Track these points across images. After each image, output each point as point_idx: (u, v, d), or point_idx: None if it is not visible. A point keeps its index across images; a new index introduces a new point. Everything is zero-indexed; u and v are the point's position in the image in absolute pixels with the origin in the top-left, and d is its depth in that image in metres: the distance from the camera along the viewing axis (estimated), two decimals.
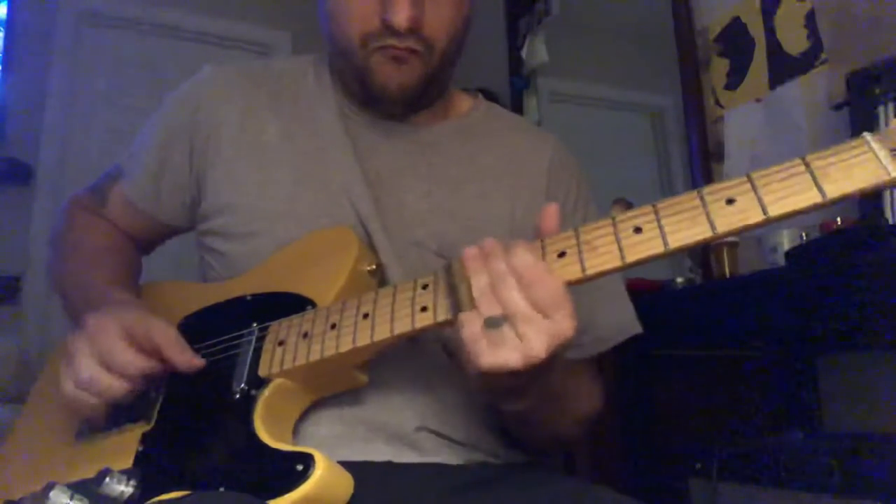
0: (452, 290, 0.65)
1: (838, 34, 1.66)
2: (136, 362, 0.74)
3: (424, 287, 0.68)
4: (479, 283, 0.63)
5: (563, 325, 0.61)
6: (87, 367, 0.73)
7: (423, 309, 0.67)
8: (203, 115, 0.93)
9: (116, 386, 0.74)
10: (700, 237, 0.57)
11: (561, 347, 0.61)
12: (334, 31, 0.87)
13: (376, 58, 0.84)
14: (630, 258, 0.59)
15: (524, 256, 0.62)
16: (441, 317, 0.66)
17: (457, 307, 0.64)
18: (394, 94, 0.86)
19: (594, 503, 0.74)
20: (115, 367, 0.73)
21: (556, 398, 0.76)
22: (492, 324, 0.61)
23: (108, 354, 0.73)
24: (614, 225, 0.61)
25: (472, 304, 0.62)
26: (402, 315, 0.68)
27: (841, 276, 1.16)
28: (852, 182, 0.52)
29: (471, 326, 0.62)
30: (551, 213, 0.66)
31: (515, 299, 0.61)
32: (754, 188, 0.56)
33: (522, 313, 0.60)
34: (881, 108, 1.43)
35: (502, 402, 0.72)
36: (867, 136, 0.53)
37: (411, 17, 0.80)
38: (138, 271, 0.99)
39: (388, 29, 0.81)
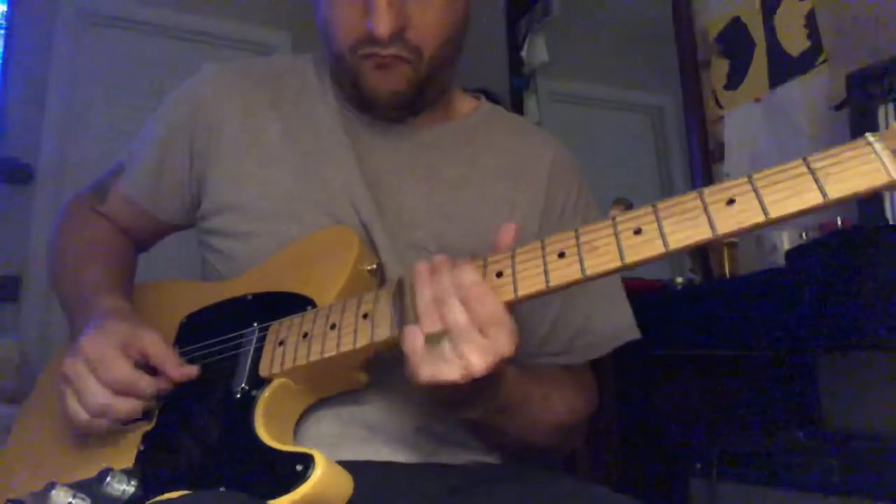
0: (400, 304, 0.67)
1: (838, 34, 1.66)
2: (149, 384, 0.75)
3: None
4: (423, 298, 0.64)
5: (502, 343, 0.62)
6: (100, 396, 0.73)
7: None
8: (204, 113, 0.93)
9: (133, 407, 0.75)
10: (700, 238, 0.57)
11: (500, 364, 0.63)
12: (328, 37, 0.87)
13: (365, 65, 0.84)
14: (630, 259, 0.59)
15: (468, 274, 0.63)
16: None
17: (402, 321, 0.65)
18: (384, 100, 0.86)
19: (594, 503, 0.74)
20: (132, 391, 0.74)
21: (513, 408, 0.76)
22: (433, 339, 0.63)
23: (119, 381, 0.74)
24: (614, 226, 0.60)
25: (416, 319, 0.64)
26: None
27: (841, 276, 1.16)
28: (854, 183, 0.52)
29: (413, 340, 0.63)
30: (507, 232, 0.67)
31: (456, 316, 0.62)
32: (755, 189, 0.55)
33: (463, 330, 0.62)
34: (881, 108, 1.43)
35: (451, 410, 0.73)
36: (869, 136, 0.52)
37: (391, 26, 0.79)
38: (132, 269, 0.99)
39: (372, 37, 0.81)
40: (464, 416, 0.74)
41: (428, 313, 0.63)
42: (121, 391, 0.74)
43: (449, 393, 0.66)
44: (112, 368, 0.73)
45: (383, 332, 0.68)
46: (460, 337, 0.62)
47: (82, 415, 0.74)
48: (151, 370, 0.77)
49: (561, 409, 0.84)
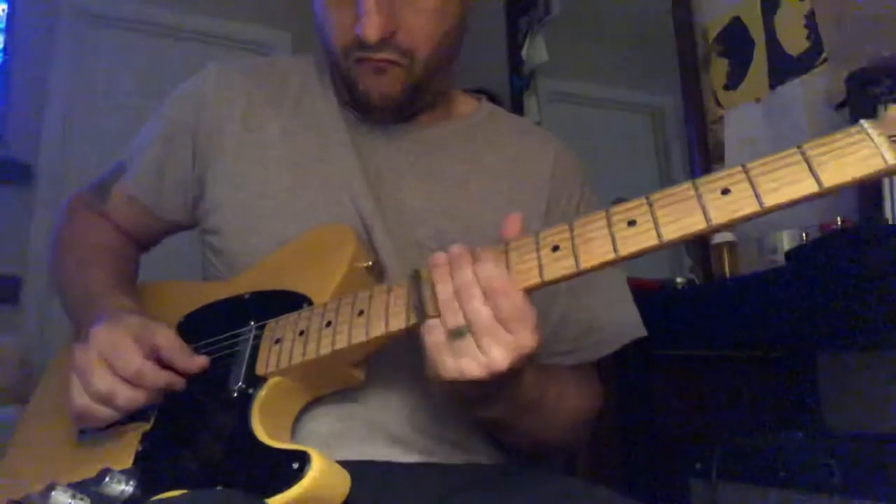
0: (419, 297, 0.65)
1: (838, 34, 1.66)
2: (158, 375, 0.75)
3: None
4: (444, 291, 0.63)
5: (525, 338, 0.61)
6: (104, 381, 0.73)
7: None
8: (206, 112, 0.93)
9: (137, 397, 0.74)
10: (695, 228, 0.56)
11: (523, 360, 0.62)
12: (324, 40, 0.87)
13: (358, 69, 0.84)
14: (624, 251, 0.58)
15: (490, 267, 0.62)
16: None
17: (422, 314, 0.64)
18: (378, 103, 0.86)
19: (594, 503, 0.74)
20: (140, 380, 0.74)
21: (531, 407, 0.75)
22: (455, 333, 0.61)
23: (129, 370, 0.73)
24: (608, 218, 0.60)
25: (437, 312, 0.63)
26: (395, 312, 0.68)
27: (841, 276, 1.16)
28: (849, 170, 0.51)
29: (434, 334, 0.62)
30: (512, 223, 0.66)
31: (479, 310, 0.61)
32: (749, 178, 0.55)
33: (485, 325, 0.61)
34: (881, 108, 1.43)
35: (471, 409, 0.73)
36: (864, 123, 0.52)
37: (380, 31, 0.79)
38: (136, 271, 0.99)
39: (362, 41, 0.80)
40: (484, 415, 0.73)
41: (450, 307, 0.62)
42: (129, 380, 0.73)
43: (469, 390, 0.65)
44: (123, 357, 0.73)
45: (379, 329, 0.67)
46: (483, 332, 0.61)
47: (83, 399, 0.73)
48: (162, 365, 0.76)
49: (574, 406, 0.84)
